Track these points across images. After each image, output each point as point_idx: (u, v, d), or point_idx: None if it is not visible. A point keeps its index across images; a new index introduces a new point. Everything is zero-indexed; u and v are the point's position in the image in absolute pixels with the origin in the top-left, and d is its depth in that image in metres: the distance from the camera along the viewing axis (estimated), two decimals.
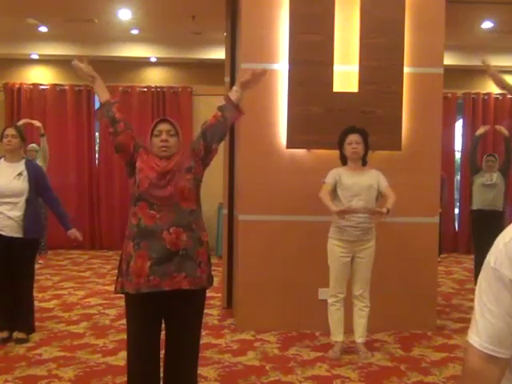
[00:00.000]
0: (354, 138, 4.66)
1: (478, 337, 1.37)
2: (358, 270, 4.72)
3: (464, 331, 5.47)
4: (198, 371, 3.40)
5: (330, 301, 4.78)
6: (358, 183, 4.65)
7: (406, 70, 5.41)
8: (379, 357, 4.78)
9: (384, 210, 4.50)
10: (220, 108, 3.35)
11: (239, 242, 5.54)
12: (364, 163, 4.76)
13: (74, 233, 4.99)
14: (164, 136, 3.20)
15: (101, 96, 3.38)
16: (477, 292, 1.41)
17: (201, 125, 3.38)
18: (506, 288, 1.33)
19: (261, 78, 3.48)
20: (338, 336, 4.79)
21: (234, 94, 3.40)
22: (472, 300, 6.15)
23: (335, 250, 4.68)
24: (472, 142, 7.90)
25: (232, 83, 6.04)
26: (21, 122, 7.44)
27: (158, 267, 3.05)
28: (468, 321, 5.18)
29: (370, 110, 5.31)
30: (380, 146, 5.17)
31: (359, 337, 4.80)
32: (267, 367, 4.49)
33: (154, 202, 3.09)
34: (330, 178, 4.68)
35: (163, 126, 3.24)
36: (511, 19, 7.18)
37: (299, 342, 5.10)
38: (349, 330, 4.84)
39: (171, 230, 3.06)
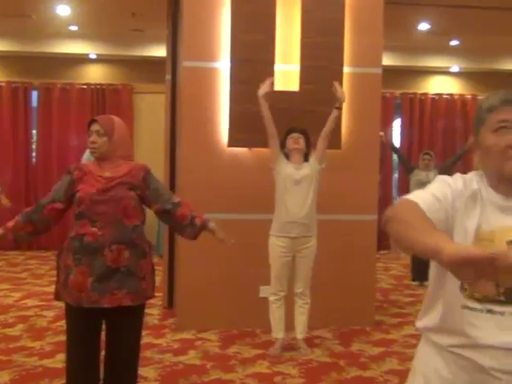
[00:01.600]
0: (297, 135, 4.72)
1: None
2: (299, 268, 4.76)
3: (401, 326, 5.61)
4: (138, 371, 3.37)
5: (271, 298, 4.81)
6: (298, 176, 4.68)
7: (346, 69, 5.49)
8: (319, 353, 4.84)
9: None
10: (193, 217, 3.27)
11: (180, 241, 5.51)
12: (306, 159, 4.80)
13: None
14: (93, 137, 3.13)
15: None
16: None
17: (165, 193, 3.27)
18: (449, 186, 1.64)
19: None
20: (278, 333, 4.82)
21: (211, 225, 3.36)
22: (409, 295, 6.29)
23: (276, 248, 4.71)
24: (391, 149, 8.26)
25: (174, 81, 6.02)
26: None
27: (99, 284, 2.99)
28: (405, 315, 5.31)
29: (310, 109, 5.36)
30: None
31: (300, 333, 4.85)
32: (208, 366, 4.49)
33: (96, 219, 3.03)
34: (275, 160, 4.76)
35: (93, 127, 3.16)
36: (446, 21, 7.38)
37: (240, 340, 5.12)
38: (290, 326, 4.88)
39: (113, 248, 3.00)
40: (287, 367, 4.50)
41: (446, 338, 1.62)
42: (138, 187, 3.14)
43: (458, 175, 1.70)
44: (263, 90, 4.74)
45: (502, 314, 1.54)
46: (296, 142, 4.72)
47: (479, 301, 1.56)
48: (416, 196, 1.62)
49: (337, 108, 4.85)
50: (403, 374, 4.22)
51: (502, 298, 1.55)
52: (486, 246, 1.56)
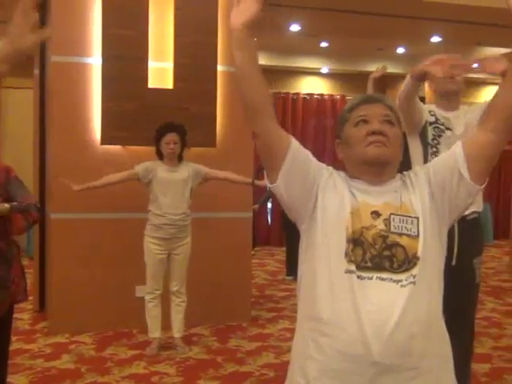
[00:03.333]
0: (171, 137, 4.66)
1: None
2: (175, 266, 4.75)
3: (276, 320, 5.74)
4: (8, 379, 3.22)
5: (146, 298, 4.76)
6: (173, 178, 4.67)
7: (220, 68, 5.52)
8: (197, 350, 4.85)
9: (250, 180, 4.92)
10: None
11: (52, 242, 5.33)
12: (180, 159, 4.79)
13: None
14: None
15: None
16: None
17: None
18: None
19: None
20: (155, 333, 4.78)
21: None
22: (284, 290, 6.43)
23: (151, 247, 4.67)
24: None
25: (42, 76, 5.80)
26: None
27: None
28: (280, 310, 5.42)
29: (184, 107, 5.35)
30: (195, 142, 5.22)
31: (177, 332, 4.84)
32: (83, 369, 4.37)
33: None
34: (138, 168, 4.67)
35: None
36: (316, 23, 7.61)
37: (116, 342, 5.02)
38: (166, 325, 4.85)
39: None
40: (165, 366, 4.48)
41: (322, 310, 1.66)
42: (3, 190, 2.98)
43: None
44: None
45: (370, 278, 1.64)
46: (172, 150, 4.67)
47: (352, 263, 1.65)
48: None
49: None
50: (279, 368, 4.35)
51: (369, 265, 1.65)
52: (356, 218, 1.70)
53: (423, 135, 3.47)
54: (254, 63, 1.77)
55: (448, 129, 3.46)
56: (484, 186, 1.78)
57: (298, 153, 1.78)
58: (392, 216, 1.69)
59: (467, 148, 1.75)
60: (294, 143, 1.78)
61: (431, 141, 3.46)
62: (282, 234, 8.96)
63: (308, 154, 1.82)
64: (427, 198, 1.75)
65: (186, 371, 4.41)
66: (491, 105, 1.77)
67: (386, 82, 11.14)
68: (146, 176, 4.65)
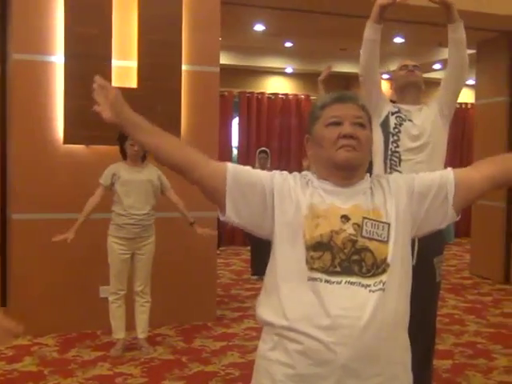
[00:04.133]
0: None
1: None
2: (139, 266, 4.72)
3: (242, 319, 5.75)
4: None
5: (110, 298, 4.73)
6: (136, 179, 4.65)
7: (184, 67, 5.51)
8: (161, 351, 4.83)
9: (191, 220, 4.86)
10: None
11: (13, 243, 5.25)
12: (143, 159, 4.76)
13: None
14: None
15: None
16: None
17: None
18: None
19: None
20: (119, 333, 4.75)
21: None
22: (249, 289, 6.43)
23: (114, 247, 4.64)
24: None
25: (3, 74, 5.70)
26: None
27: None
28: (245, 309, 5.42)
29: (149, 107, 5.31)
30: None
31: (141, 332, 4.81)
32: (46, 372, 4.32)
33: None
34: (104, 179, 4.64)
35: None
36: (280, 23, 7.64)
37: (80, 343, 4.97)
38: (131, 326, 4.82)
39: None
40: (129, 367, 4.45)
41: (288, 314, 1.66)
42: None
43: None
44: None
45: (338, 283, 1.64)
46: (137, 152, 4.65)
47: (317, 271, 1.65)
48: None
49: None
50: (243, 367, 4.35)
51: (338, 269, 1.65)
52: (320, 223, 1.69)
53: (385, 125, 3.51)
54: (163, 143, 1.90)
55: (409, 120, 3.52)
56: (457, 219, 1.85)
57: (236, 179, 1.76)
58: (365, 220, 1.69)
59: (459, 182, 1.80)
60: (230, 172, 1.78)
61: (392, 129, 3.50)
62: (247, 233, 8.95)
63: (249, 172, 1.81)
64: (403, 207, 1.76)
65: (151, 372, 4.38)
66: (506, 169, 1.86)
67: (349, 82, 11.24)
68: (111, 182, 4.64)
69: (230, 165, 1.81)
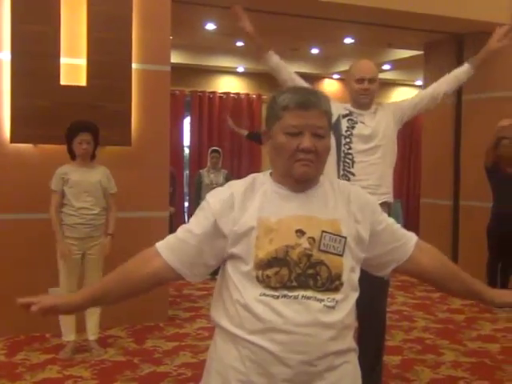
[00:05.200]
0: (84, 137, 4.55)
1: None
2: (89, 266, 4.66)
3: (194, 319, 5.73)
4: None
5: None
6: (86, 179, 4.58)
7: (134, 66, 5.46)
8: (112, 352, 4.78)
9: (110, 232, 4.73)
10: None
11: None
12: (93, 158, 4.70)
13: None
14: None
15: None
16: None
17: None
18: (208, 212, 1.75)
19: None
20: (69, 336, 4.68)
21: None
22: (201, 289, 6.39)
23: (65, 247, 4.56)
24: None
25: None
26: None
27: None
28: (198, 309, 5.40)
29: (99, 105, 5.26)
30: (110, 141, 5.15)
31: (92, 334, 4.75)
32: None
33: None
34: (55, 185, 4.57)
35: None
36: (231, 22, 7.61)
37: (28, 346, 4.88)
38: (81, 328, 4.75)
39: None
40: (79, 370, 4.38)
41: (244, 327, 1.67)
42: None
43: (226, 189, 1.79)
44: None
45: (295, 297, 1.64)
46: (85, 151, 4.58)
47: (275, 288, 1.65)
48: (167, 246, 1.80)
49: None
50: (196, 367, 4.34)
51: (294, 284, 1.65)
52: (274, 238, 1.67)
53: (337, 127, 3.53)
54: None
55: (361, 122, 3.55)
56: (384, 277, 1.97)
57: (179, 258, 1.75)
58: (324, 234, 1.68)
59: (410, 257, 1.85)
60: (167, 256, 1.76)
61: (344, 132, 3.54)
62: None
63: (184, 242, 1.75)
64: (361, 227, 1.77)
65: (102, 374, 4.33)
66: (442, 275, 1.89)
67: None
68: (62, 185, 4.56)
69: (162, 250, 1.77)
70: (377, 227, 1.81)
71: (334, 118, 3.50)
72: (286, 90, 1.76)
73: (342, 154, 3.51)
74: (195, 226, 1.75)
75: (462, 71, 3.85)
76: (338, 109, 3.52)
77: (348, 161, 3.50)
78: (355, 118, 3.55)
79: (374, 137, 3.51)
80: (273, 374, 1.63)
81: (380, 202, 3.33)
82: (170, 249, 1.76)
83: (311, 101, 1.70)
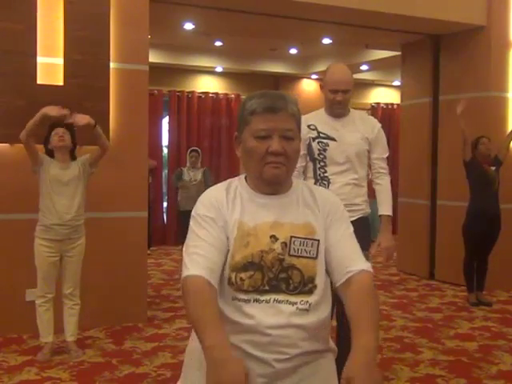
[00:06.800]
0: (60, 130, 4.54)
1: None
2: (68, 268, 4.61)
3: (173, 320, 5.71)
4: None
5: (38, 302, 4.60)
6: (65, 176, 4.54)
7: (112, 65, 5.42)
8: (91, 353, 4.74)
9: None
10: None
11: None
12: (73, 158, 4.66)
13: None
14: None
15: None
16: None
17: None
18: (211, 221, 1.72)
19: None
20: (47, 337, 4.63)
21: None
22: (180, 289, 6.32)
23: (42, 249, 4.51)
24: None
25: None
26: None
27: None
28: (177, 309, 5.38)
29: (76, 105, 5.20)
30: (87, 141, 5.10)
31: (70, 335, 4.71)
32: None
33: None
34: (42, 156, 4.53)
35: None
36: (210, 22, 7.61)
37: (5, 348, 4.82)
38: (59, 329, 4.71)
39: None
40: (57, 371, 4.34)
41: None
42: None
43: (208, 195, 1.79)
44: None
45: (267, 301, 1.66)
46: (61, 139, 4.55)
47: (246, 292, 1.66)
48: (195, 266, 1.65)
49: None
50: (175, 367, 4.32)
51: (267, 288, 1.68)
52: (251, 242, 1.70)
53: (310, 151, 3.60)
54: None
55: (332, 139, 3.58)
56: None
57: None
58: (293, 239, 1.71)
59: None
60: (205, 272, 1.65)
61: (318, 156, 3.59)
62: (181, 231, 8.88)
63: (218, 257, 1.69)
64: (326, 228, 1.78)
65: (80, 375, 4.29)
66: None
67: (279, 82, 11.34)
68: (41, 165, 4.49)
69: (204, 273, 1.64)
70: (339, 239, 1.78)
71: (305, 142, 3.55)
72: (254, 96, 1.77)
73: (319, 178, 3.59)
74: (205, 236, 1.70)
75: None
76: (307, 133, 3.56)
77: (325, 182, 3.57)
78: (324, 138, 3.58)
79: (347, 157, 3.55)
80: (248, 369, 1.62)
81: (355, 218, 3.41)
82: (209, 269, 1.66)
83: (278, 104, 1.72)
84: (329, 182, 3.56)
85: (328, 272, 1.77)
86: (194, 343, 1.78)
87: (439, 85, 7.79)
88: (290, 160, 1.74)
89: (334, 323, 3.33)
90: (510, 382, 4.29)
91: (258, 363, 1.64)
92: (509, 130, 6.91)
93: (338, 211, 1.82)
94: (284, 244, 1.71)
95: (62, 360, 4.57)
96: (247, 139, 1.74)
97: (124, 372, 4.37)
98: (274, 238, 1.71)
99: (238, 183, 1.81)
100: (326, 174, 3.59)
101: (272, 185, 1.75)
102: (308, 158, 3.62)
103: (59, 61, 5.24)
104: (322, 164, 3.59)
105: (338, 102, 3.55)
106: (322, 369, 1.75)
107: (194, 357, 1.76)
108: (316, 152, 3.58)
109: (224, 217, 1.73)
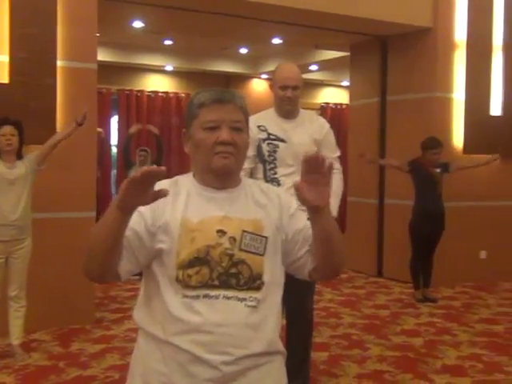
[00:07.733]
0: (8, 129, 4.44)
1: None
2: (13, 270, 4.52)
3: (122, 321, 5.66)
4: None
5: None
6: (11, 176, 4.44)
7: (60, 63, 5.34)
8: (37, 357, 4.66)
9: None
10: None
11: None
12: (19, 157, 4.56)
13: None
14: None
15: None
16: None
17: None
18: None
19: None
20: None
21: None
22: (129, 290, 6.30)
23: None
24: (125, 139, 8.21)
25: None
26: None
27: None
28: (125, 310, 5.32)
29: (22, 103, 5.11)
30: (35, 139, 5.00)
31: (15, 339, 4.61)
32: None
33: None
34: None
35: None
36: (159, 21, 7.57)
37: None
38: (4, 332, 4.61)
39: None
40: (2, 376, 4.25)
41: (166, 329, 1.67)
42: None
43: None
44: None
45: (216, 297, 1.66)
46: (9, 143, 4.45)
47: (194, 288, 1.65)
48: None
49: None
50: (124, 369, 4.27)
51: (216, 283, 1.66)
52: (196, 237, 1.68)
53: (260, 153, 3.61)
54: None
55: (282, 141, 3.61)
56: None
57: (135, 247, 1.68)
58: (244, 234, 1.70)
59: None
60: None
61: (267, 157, 3.61)
62: None
63: (134, 228, 1.66)
64: (280, 225, 1.79)
65: (26, 379, 4.22)
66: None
67: (230, 81, 11.34)
68: None
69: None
70: (295, 235, 1.80)
71: (255, 143, 3.56)
72: (201, 91, 1.79)
73: (269, 179, 3.60)
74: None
75: None
76: (258, 132, 3.58)
77: (275, 184, 3.58)
78: (274, 140, 3.60)
79: (294, 158, 3.53)
80: (195, 374, 1.63)
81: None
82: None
83: (226, 96, 1.74)
84: (278, 184, 3.58)
85: (300, 262, 1.79)
86: (137, 351, 1.77)
87: (387, 85, 7.92)
88: (240, 150, 1.74)
89: (284, 321, 3.37)
90: (455, 375, 4.40)
91: (205, 367, 1.62)
92: (454, 132, 7.08)
93: (292, 206, 1.84)
94: (232, 239, 1.69)
95: (6, 364, 4.48)
96: (196, 132, 1.74)
97: (71, 375, 4.31)
98: (221, 232, 1.69)
99: (186, 179, 1.80)
100: (275, 176, 3.61)
101: (221, 175, 1.75)
102: (257, 160, 3.63)
103: (4, 58, 5.13)
104: (272, 166, 3.61)
105: (288, 98, 3.58)
106: (272, 373, 1.74)
107: (137, 364, 1.75)
108: (266, 153, 3.60)
109: (162, 216, 1.70)
